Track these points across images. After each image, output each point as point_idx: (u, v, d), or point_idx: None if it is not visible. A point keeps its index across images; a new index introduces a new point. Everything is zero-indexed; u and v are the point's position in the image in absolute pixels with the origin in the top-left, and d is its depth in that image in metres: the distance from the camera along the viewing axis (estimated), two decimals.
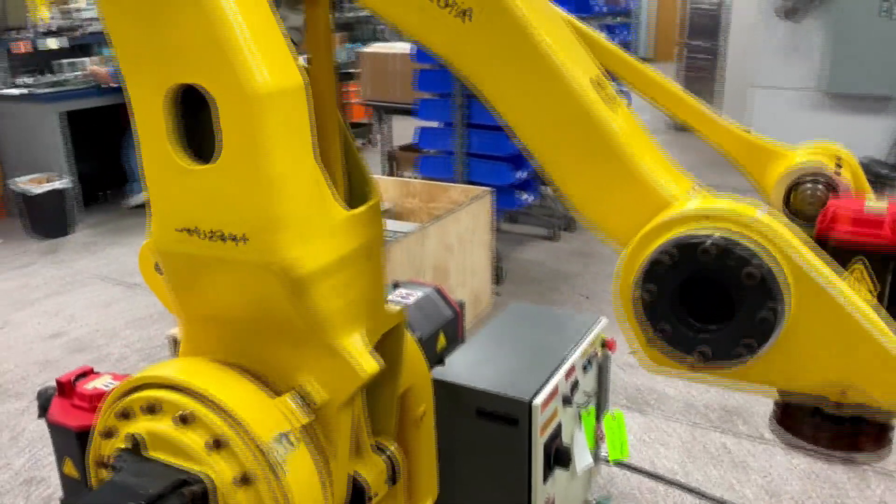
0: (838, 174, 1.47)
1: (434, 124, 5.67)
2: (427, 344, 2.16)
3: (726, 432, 3.84)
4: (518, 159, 5.50)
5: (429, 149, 5.66)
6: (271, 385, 1.44)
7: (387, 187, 4.98)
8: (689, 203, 1.15)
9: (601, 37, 1.75)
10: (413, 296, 2.33)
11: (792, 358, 1.11)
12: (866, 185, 1.55)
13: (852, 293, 1.08)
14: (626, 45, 8.58)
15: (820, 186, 1.43)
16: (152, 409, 1.36)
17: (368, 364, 1.39)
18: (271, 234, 1.26)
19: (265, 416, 1.35)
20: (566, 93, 1.18)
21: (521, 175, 5.49)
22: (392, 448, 1.65)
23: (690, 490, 3.23)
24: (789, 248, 1.06)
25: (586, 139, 1.19)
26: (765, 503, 3.25)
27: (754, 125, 9.44)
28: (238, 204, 1.27)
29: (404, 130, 6.80)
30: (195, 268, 1.37)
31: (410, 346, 1.77)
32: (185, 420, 1.32)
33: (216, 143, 1.25)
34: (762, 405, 4.02)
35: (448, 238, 4.34)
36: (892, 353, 1.05)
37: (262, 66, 1.20)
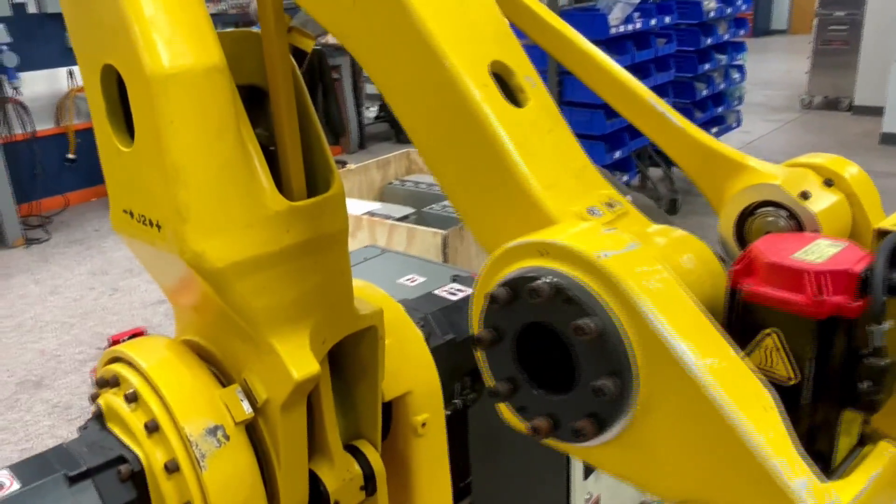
0: (807, 197, 1.02)
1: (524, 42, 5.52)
2: (463, 347, 1.93)
3: None
4: (614, 138, 5.26)
5: None
6: (227, 375, 1.42)
7: (397, 158, 4.90)
8: (555, 229, 0.87)
9: (546, 12, 1.44)
10: (462, 293, 2.12)
11: (645, 454, 0.80)
12: (870, 215, 1.08)
13: (734, 379, 0.74)
14: (741, 19, 8.00)
15: (781, 216, 1.03)
16: (115, 382, 1.39)
17: (301, 368, 1.29)
18: (177, 223, 1.20)
19: (201, 406, 1.31)
20: (447, 84, 0.96)
21: (618, 155, 5.25)
22: (371, 455, 1.54)
23: None
24: (640, 303, 0.75)
25: (466, 138, 0.97)
26: None
27: (888, 105, 8.63)
28: (149, 189, 1.23)
29: None
30: (140, 250, 1.36)
31: (415, 350, 1.66)
32: (130, 399, 1.33)
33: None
34: None
35: None
36: (784, 489, 0.69)
37: (168, 45, 1.14)
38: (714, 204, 1.11)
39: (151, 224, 1.25)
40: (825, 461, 0.82)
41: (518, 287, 0.81)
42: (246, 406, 1.34)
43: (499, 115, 0.94)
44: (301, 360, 1.29)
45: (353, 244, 4.03)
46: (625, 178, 5.89)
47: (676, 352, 0.73)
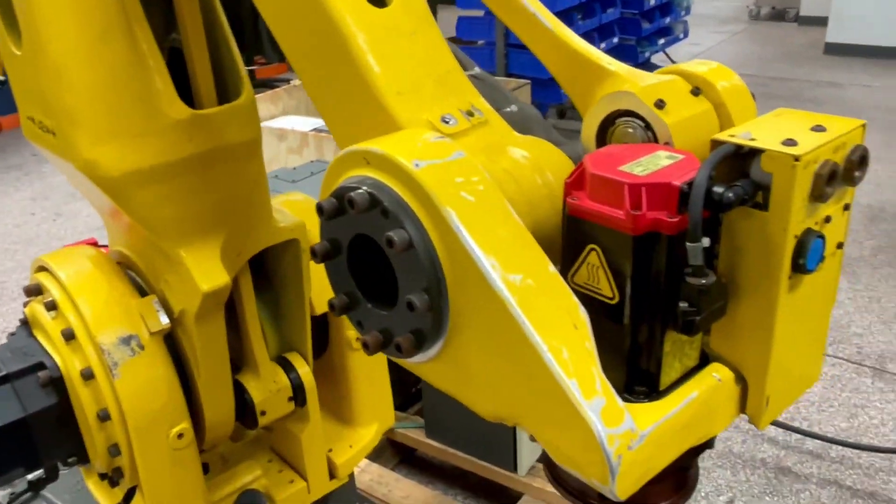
0: (661, 106, 0.93)
1: (476, 13, 5.44)
2: None
3: None
4: None
5: (467, 39, 5.45)
6: (150, 285, 1.43)
7: None
8: (384, 138, 0.82)
9: None
10: None
11: (463, 371, 0.77)
12: (737, 121, 0.98)
13: (544, 296, 0.71)
14: None
15: (638, 126, 0.95)
16: (38, 290, 1.41)
17: (210, 279, 1.30)
18: (67, 129, 1.18)
19: (116, 316, 1.33)
20: None
21: None
22: (301, 367, 1.57)
23: None
24: (447, 213, 0.71)
25: (323, 40, 0.92)
26: (787, 412, 3.12)
27: (832, 15, 8.58)
28: (43, 94, 1.20)
29: (449, 23, 6.54)
30: (51, 159, 1.34)
31: None
32: (49, 307, 1.35)
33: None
34: None
35: None
36: (577, 409, 0.66)
37: None
38: (581, 112, 1.05)
39: (48, 130, 1.24)
40: (652, 383, 0.80)
41: (341, 197, 0.77)
42: (162, 317, 1.35)
43: (354, 14, 0.89)
44: (210, 272, 1.30)
45: (299, 160, 4.00)
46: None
47: (482, 266, 0.70)
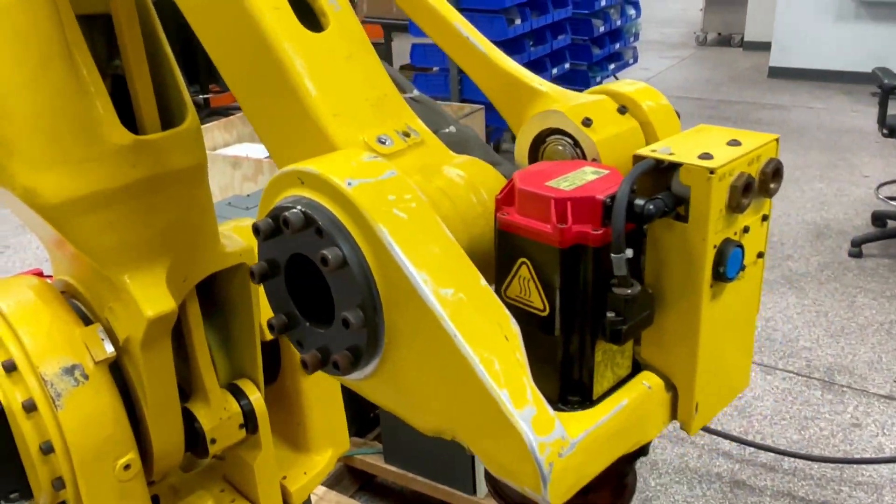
0: (587, 124, 0.95)
1: (430, 40, 5.50)
2: None
3: None
4: (516, 44, 5.32)
5: (421, 66, 5.52)
6: (95, 314, 1.40)
7: None
8: (318, 158, 0.83)
9: None
10: None
11: (400, 387, 0.78)
12: (662, 138, 1.00)
13: (476, 310, 0.72)
14: None
15: (567, 143, 0.97)
16: None
17: (154, 305, 1.29)
18: (5, 157, 1.17)
19: (59, 345, 1.31)
20: (239, 10, 0.92)
21: (518, 60, 5.33)
22: (252, 394, 1.55)
23: None
24: (379, 231, 0.72)
25: (260, 66, 0.93)
26: (734, 421, 3.18)
27: (775, 41, 8.89)
28: None
29: (404, 50, 6.62)
30: None
31: None
32: None
33: None
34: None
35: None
36: (509, 418, 0.68)
37: None
38: (515, 132, 1.07)
39: None
40: (585, 392, 0.81)
41: (277, 217, 0.77)
42: (107, 345, 1.33)
43: (291, 39, 0.89)
44: (155, 298, 1.29)
45: (255, 187, 3.98)
46: None
47: (414, 281, 0.70)
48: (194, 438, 1.50)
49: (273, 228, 0.78)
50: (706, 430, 3.06)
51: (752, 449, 2.98)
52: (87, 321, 1.39)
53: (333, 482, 2.72)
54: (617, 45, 7.83)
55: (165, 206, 1.31)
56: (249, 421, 1.55)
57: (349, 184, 0.74)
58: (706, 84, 9.06)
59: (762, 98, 8.33)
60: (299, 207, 0.76)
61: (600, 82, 7.24)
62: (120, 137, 1.23)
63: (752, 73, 9.43)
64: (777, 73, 9.13)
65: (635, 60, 8.49)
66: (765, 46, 9.52)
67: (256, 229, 0.79)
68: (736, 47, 10.95)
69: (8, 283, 1.41)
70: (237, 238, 1.50)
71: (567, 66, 6.70)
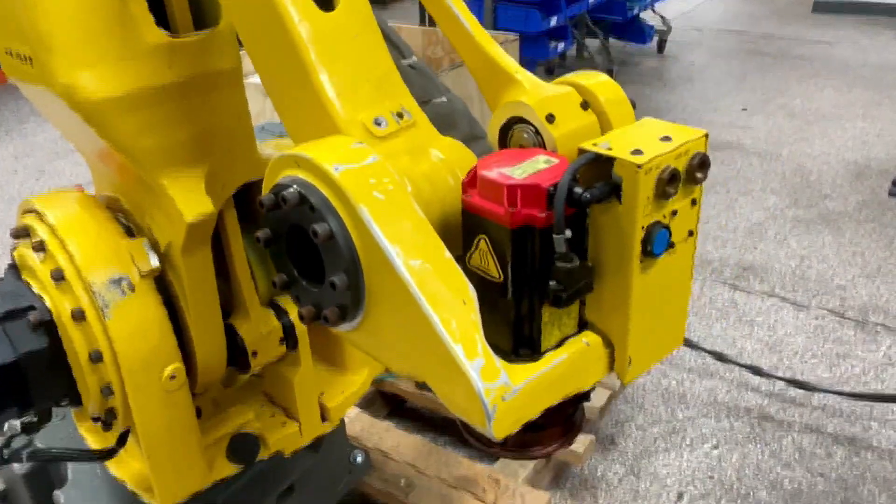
0: (551, 120, 1.07)
1: None
2: None
3: (737, 288, 3.74)
4: (549, 5, 5.18)
5: None
6: (138, 226, 1.43)
7: (412, 36, 4.78)
8: (312, 144, 0.95)
9: None
10: None
11: (379, 338, 0.93)
12: (616, 128, 1.11)
13: (439, 277, 0.84)
14: None
15: (531, 132, 1.10)
16: (26, 233, 1.41)
17: (194, 208, 1.30)
18: (44, 54, 1.18)
19: (106, 256, 1.33)
20: None
21: (553, 22, 5.19)
22: (291, 311, 1.57)
23: (685, 342, 3.18)
24: (360, 209, 0.85)
25: (274, 41, 1.01)
26: (764, 357, 3.18)
27: None
28: (18, 21, 1.20)
29: None
30: (30, 94, 1.33)
31: None
32: (38, 248, 1.35)
33: None
34: (780, 263, 3.88)
35: (469, 89, 4.17)
36: (461, 368, 0.81)
37: None
38: (491, 109, 1.18)
39: (25, 59, 1.23)
40: (534, 346, 0.95)
41: (278, 194, 0.91)
42: (152, 258, 1.36)
43: (303, 16, 0.98)
44: (194, 202, 1.31)
45: None
46: (560, 46, 5.84)
47: (388, 253, 0.83)
48: (236, 353, 1.53)
49: (274, 203, 0.92)
50: (735, 363, 3.06)
51: (782, 384, 2.98)
52: (130, 235, 1.41)
53: (365, 405, 2.77)
54: None
55: (202, 108, 1.31)
56: (289, 337, 1.58)
57: (336, 169, 0.87)
58: (747, 18, 8.75)
59: (805, 33, 8.04)
60: (295, 187, 0.89)
61: (637, 13, 7.03)
62: (155, 38, 1.23)
63: (796, 6, 9.08)
64: (822, 7, 8.78)
65: None
66: None
67: (261, 203, 0.93)
68: None
69: (54, 195, 1.43)
70: (277, 150, 1.50)
71: None
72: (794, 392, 2.96)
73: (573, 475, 2.60)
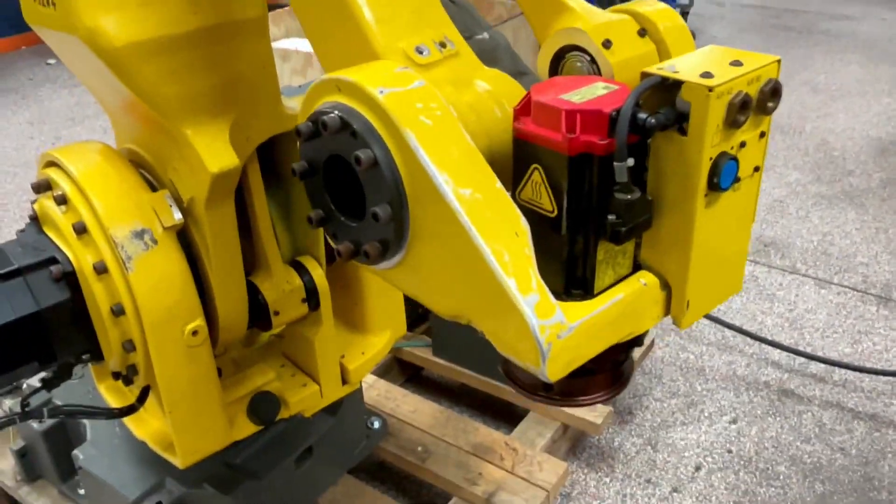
0: (608, 46, 1.01)
1: None
2: None
3: (758, 263, 3.69)
4: None
5: None
6: (160, 180, 1.40)
7: None
8: (355, 68, 0.90)
9: None
10: None
11: (422, 275, 0.87)
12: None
13: (490, 208, 0.79)
14: None
15: (585, 61, 1.03)
16: (48, 186, 1.39)
17: (218, 160, 1.27)
18: None
19: (129, 210, 1.31)
20: None
21: None
22: (314, 271, 1.56)
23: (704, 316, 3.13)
24: (406, 134, 0.79)
25: None
26: (784, 332, 3.14)
27: None
28: None
29: None
30: (52, 41, 1.31)
31: None
32: (60, 201, 1.33)
33: None
34: (802, 239, 3.82)
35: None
36: (515, 303, 0.75)
37: None
38: (539, 41, 1.12)
39: (49, 3, 1.20)
40: (587, 287, 0.90)
41: (316, 121, 0.85)
42: (175, 212, 1.34)
43: None
44: (218, 153, 1.28)
45: (304, 80, 3.92)
46: None
47: (436, 181, 0.78)
48: (258, 311, 1.51)
49: (313, 131, 0.86)
50: (756, 338, 3.03)
51: (802, 360, 2.95)
52: (152, 189, 1.39)
53: (382, 372, 2.76)
54: None
55: (227, 58, 1.28)
56: (311, 296, 1.56)
57: (381, 92, 0.81)
58: None
59: (830, 8, 7.88)
60: (336, 112, 0.83)
61: None
62: None
63: None
64: None
65: None
66: None
67: (298, 131, 0.88)
68: None
69: (75, 147, 1.40)
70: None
71: None
72: (814, 367, 2.92)
73: (590, 445, 2.59)
